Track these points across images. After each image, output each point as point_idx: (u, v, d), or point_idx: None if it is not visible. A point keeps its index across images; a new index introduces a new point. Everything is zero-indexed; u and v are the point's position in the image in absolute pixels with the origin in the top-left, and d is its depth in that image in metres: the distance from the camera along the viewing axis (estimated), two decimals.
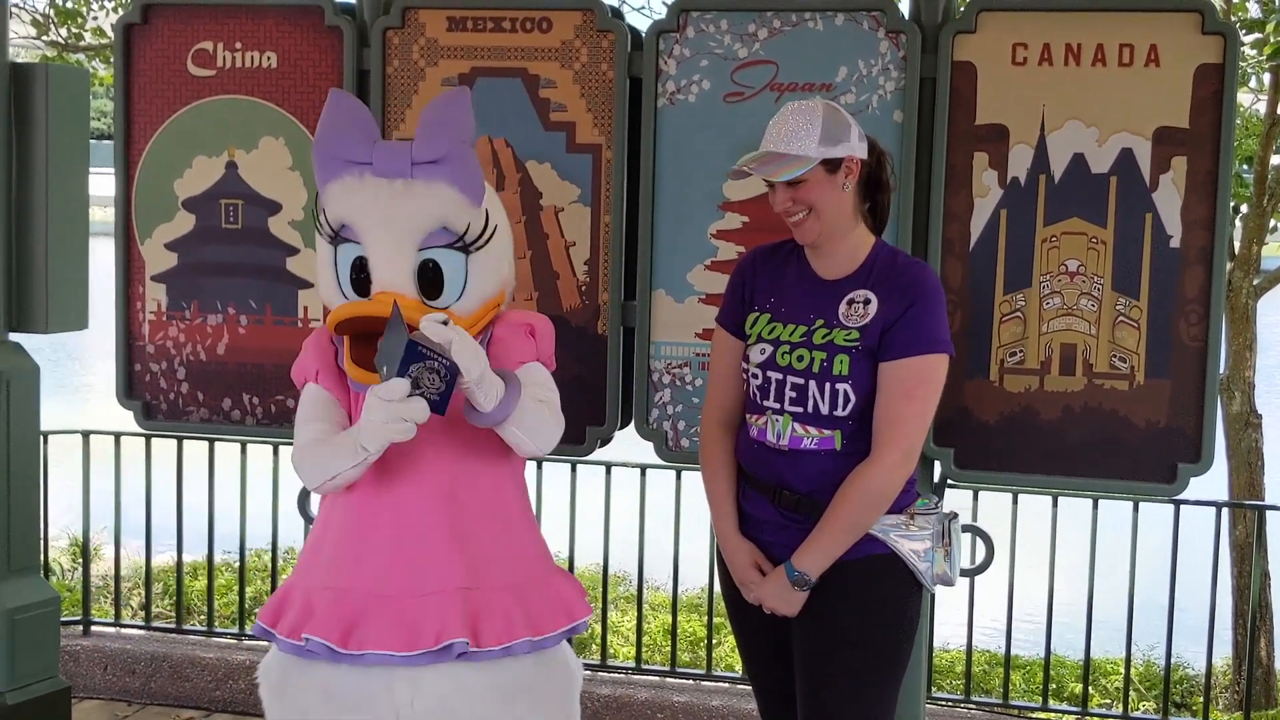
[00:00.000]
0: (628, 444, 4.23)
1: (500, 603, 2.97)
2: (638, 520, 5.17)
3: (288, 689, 3.05)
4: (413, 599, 2.94)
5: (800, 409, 3.05)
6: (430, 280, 2.97)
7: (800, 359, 3.04)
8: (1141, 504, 4.82)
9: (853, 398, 3.01)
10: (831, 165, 3.01)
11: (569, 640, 3.20)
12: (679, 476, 5.06)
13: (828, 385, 3.01)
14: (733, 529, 3.20)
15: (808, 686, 3.11)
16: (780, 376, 3.07)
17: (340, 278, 3.00)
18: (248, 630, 5.30)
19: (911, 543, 3.07)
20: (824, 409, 3.02)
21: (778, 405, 3.08)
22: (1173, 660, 5.26)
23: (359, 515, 3.03)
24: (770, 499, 3.11)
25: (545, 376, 3.10)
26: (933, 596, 4.11)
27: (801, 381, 3.04)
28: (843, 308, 3.04)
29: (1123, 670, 5.24)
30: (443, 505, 2.99)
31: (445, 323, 2.83)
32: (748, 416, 3.18)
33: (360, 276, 2.98)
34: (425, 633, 2.90)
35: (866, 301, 3.03)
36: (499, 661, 2.96)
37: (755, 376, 3.13)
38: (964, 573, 4.00)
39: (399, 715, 2.95)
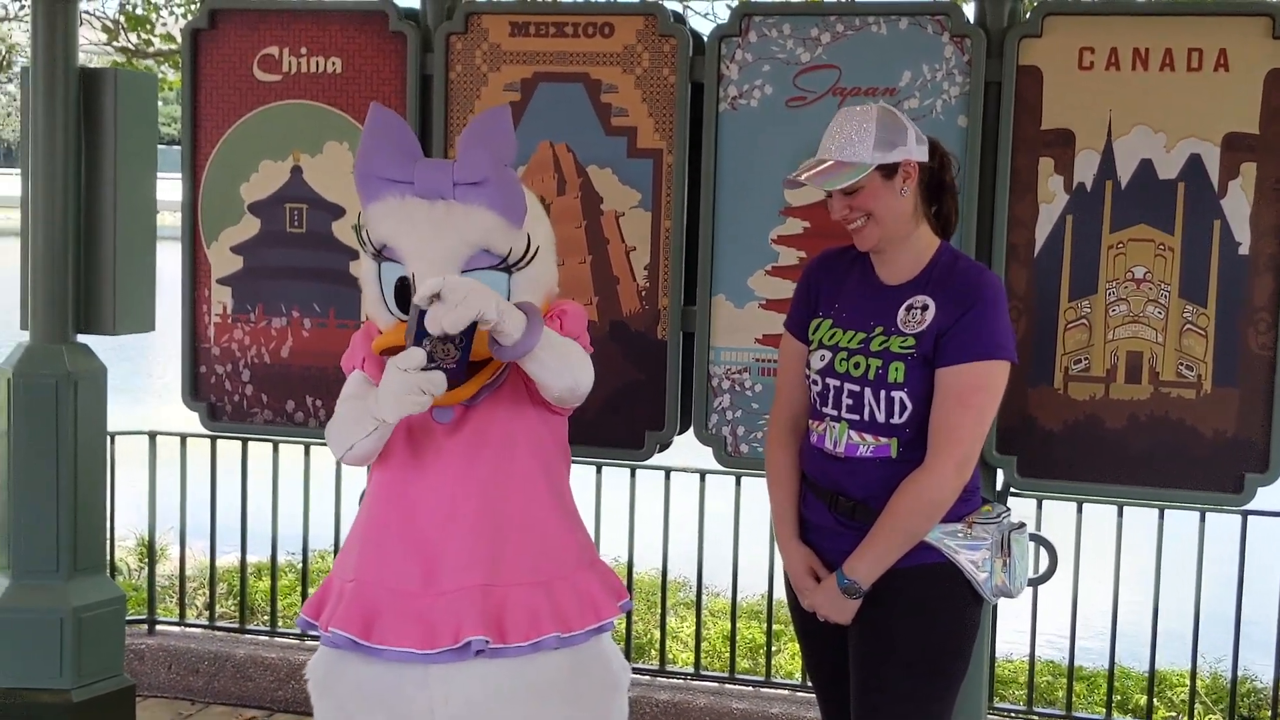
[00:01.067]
0: (687, 449, 4.22)
1: (525, 598, 2.98)
2: (697, 526, 5.15)
3: (329, 685, 3.10)
4: (430, 597, 2.96)
5: (856, 416, 3.02)
6: None
7: (857, 366, 3.02)
8: (1208, 514, 4.75)
9: (909, 406, 2.97)
10: (888, 170, 2.97)
11: (621, 641, 3.19)
12: (738, 482, 5.04)
13: (883, 393, 2.99)
14: (791, 534, 3.19)
15: (860, 693, 3.08)
16: (838, 383, 3.05)
17: (386, 292, 3.02)
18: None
19: (969, 552, 3.02)
20: (880, 417, 3.00)
21: (835, 412, 3.06)
22: (1240, 673, 5.19)
23: (388, 510, 3.06)
24: (828, 505, 3.10)
25: (570, 341, 3.04)
26: (995, 606, 4.08)
27: (858, 389, 3.02)
28: (901, 314, 3.01)
29: (1188, 683, 5.18)
30: (470, 502, 3.00)
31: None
32: (810, 422, 3.17)
33: (405, 294, 3.00)
34: (443, 631, 2.92)
35: (924, 307, 2.99)
36: (529, 658, 2.97)
37: (815, 383, 3.11)
38: (1028, 582, 3.97)
39: (434, 713, 2.98)
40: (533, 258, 3.03)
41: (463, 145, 3.00)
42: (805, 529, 3.18)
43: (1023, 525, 3.17)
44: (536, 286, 3.07)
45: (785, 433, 3.25)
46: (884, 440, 3.01)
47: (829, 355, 3.08)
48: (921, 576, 3.01)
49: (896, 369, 2.97)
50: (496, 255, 2.97)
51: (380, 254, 3.01)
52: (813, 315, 3.17)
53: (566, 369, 2.95)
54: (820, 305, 3.17)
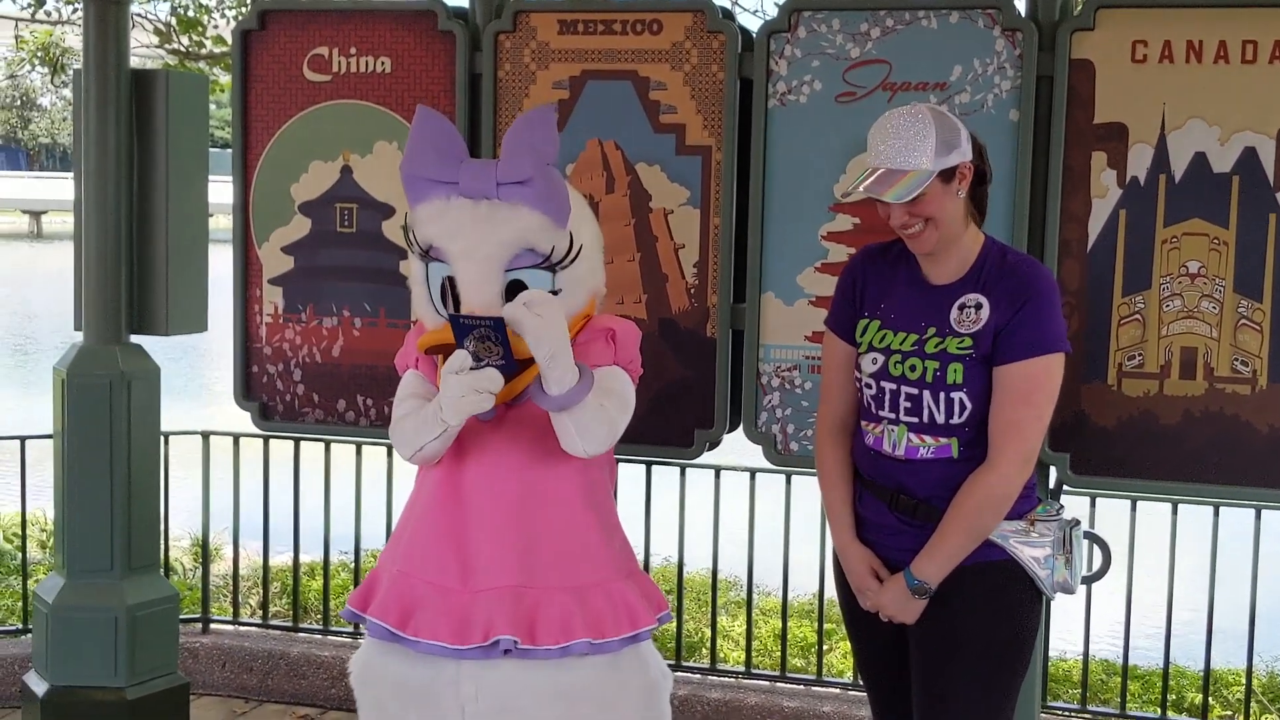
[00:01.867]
0: (737, 448, 4.21)
1: (559, 603, 3.00)
2: (747, 524, 5.14)
3: (368, 678, 3.16)
4: (466, 593, 3.00)
5: (915, 419, 2.99)
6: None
7: (913, 369, 2.99)
8: (1264, 511, 4.70)
9: (969, 405, 2.95)
10: (947, 174, 2.92)
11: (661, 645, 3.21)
12: (789, 480, 5.02)
13: (942, 395, 2.96)
14: (850, 536, 3.15)
15: (924, 692, 3.07)
16: (894, 387, 3.01)
17: (433, 292, 3.06)
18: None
19: (1032, 549, 3.01)
20: (940, 418, 2.97)
21: (893, 415, 3.02)
22: None
23: (432, 505, 3.11)
24: (888, 504, 3.06)
25: (618, 381, 3.11)
26: (1049, 604, 4.05)
27: (915, 391, 2.98)
28: (954, 314, 2.98)
29: (1244, 681, 5.13)
30: (510, 505, 3.04)
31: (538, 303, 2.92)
32: (863, 424, 3.13)
33: (450, 294, 3.04)
34: (475, 627, 2.96)
35: (978, 306, 2.96)
36: (559, 662, 2.99)
37: (869, 386, 3.07)
38: (1081, 579, 3.94)
39: (464, 710, 3.02)
40: (576, 256, 3.06)
41: (506, 145, 3.04)
42: (862, 527, 3.15)
43: (1078, 522, 3.15)
44: (581, 286, 3.11)
45: (835, 432, 3.21)
46: (944, 440, 2.98)
47: (882, 358, 3.04)
48: (985, 573, 3.00)
49: (955, 370, 2.94)
50: (540, 254, 3.02)
51: (427, 254, 3.05)
52: (858, 315, 3.13)
53: (583, 438, 3.00)
54: (865, 305, 3.13)
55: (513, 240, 2.99)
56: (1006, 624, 3.03)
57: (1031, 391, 2.92)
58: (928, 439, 2.99)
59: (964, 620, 3.01)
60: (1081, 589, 4.50)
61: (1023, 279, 2.95)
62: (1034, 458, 2.97)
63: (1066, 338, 2.97)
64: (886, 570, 3.08)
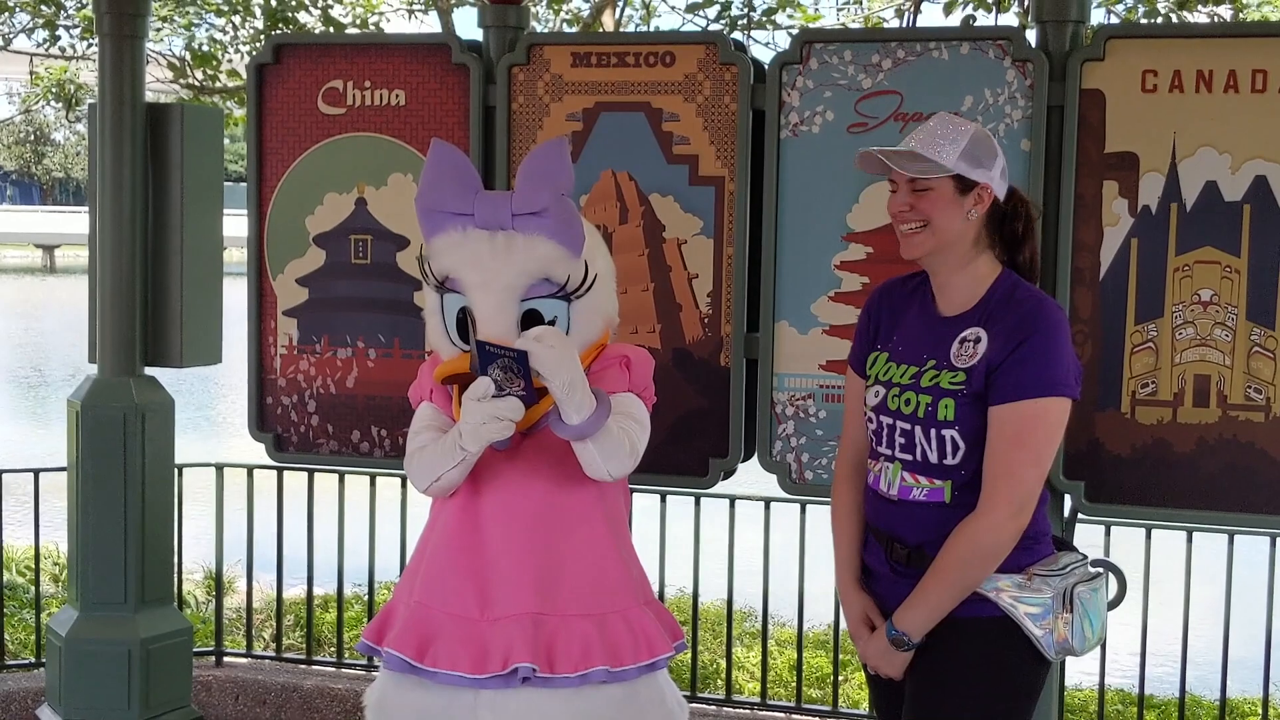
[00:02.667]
0: (751, 477, 4.21)
1: (578, 631, 3.00)
2: (762, 554, 5.14)
3: (384, 710, 3.15)
4: (485, 622, 3.00)
5: (909, 456, 2.87)
6: (534, 326, 3.03)
7: (908, 403, 2.86)
8: (1279, 539, 4.69)
9: (962, 446, 2.80)
10: (964, 185, 2.81)
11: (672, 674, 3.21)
12: (803, 510, 5.02)
13: (934, 431, 2.82)
14: (850, 582, 3.04)
15: None
16: (890, 421, 2.90)
17: (448, 323, 3.08)
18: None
19: (1026, 606, 2.81)
20: (933, 457, 2.83)
21: (889, 452, 2.91)
22: None
23: (449, 536, 3.11)
24: (885, 551, 2.95)
25: (634, 406, 3.12)
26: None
27: (909, 427, 2.86)
28: (954, 347, 2.83)
29: (1260, 711, 5.11)
30: (528, 533, 3.05)
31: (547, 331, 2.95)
32: (869, 462, 3.03)
33: (465, 325, 3.05)
34: (494, 656, 2.96)
35: (977, 340, 2.81)
36: (578, 691, 2.99)
37: (871, 421, 2.96)
38: None
39: None
40: (591, 285, 3.09)
41: (521, 177, 3.07)
42: (866, 575, 3.04)
43: (1095, 577, 2.95)
44: (595, 315, 3.13)
45: (850, 472, 3.10)
46: (938, 483, 2.84)
47: (883, 391, 2.93)
48: (978, 630, 2.83)
49: (946, 406, 2.80)
50: (555, 284, 3.04)
51: (443, 286, 3.06)
52: (872, 348, 3.03)
53: (606, 463, 3.00)
54: (879, 338, 3.03)
55: (530, 270, 3.01)
56: (997, 687, 2.84)
57: (1025, 435, 2.74)
58: (921, 479, 2.86)
59: (954, 674, 2.85)
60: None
61: (1026, 315, 2.79)
62: (1029, 508, 2.78)
63: (1074, 382, 2.80)
64: (882, 619, 2.94)
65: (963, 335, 2.84)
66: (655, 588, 3.89)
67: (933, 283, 2.95)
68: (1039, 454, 2.77)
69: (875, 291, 3.13)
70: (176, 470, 4.80)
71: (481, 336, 2.97)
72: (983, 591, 2.82)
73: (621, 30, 10.44)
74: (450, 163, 3.10)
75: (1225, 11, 9.31)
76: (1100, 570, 3.02)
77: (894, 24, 10.62)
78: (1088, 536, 4.20)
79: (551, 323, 3.05)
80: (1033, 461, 2.76)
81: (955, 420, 2.80)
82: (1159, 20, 9.09)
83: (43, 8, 11.24)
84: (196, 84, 11.13)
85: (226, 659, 5.58)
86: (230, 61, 11.28)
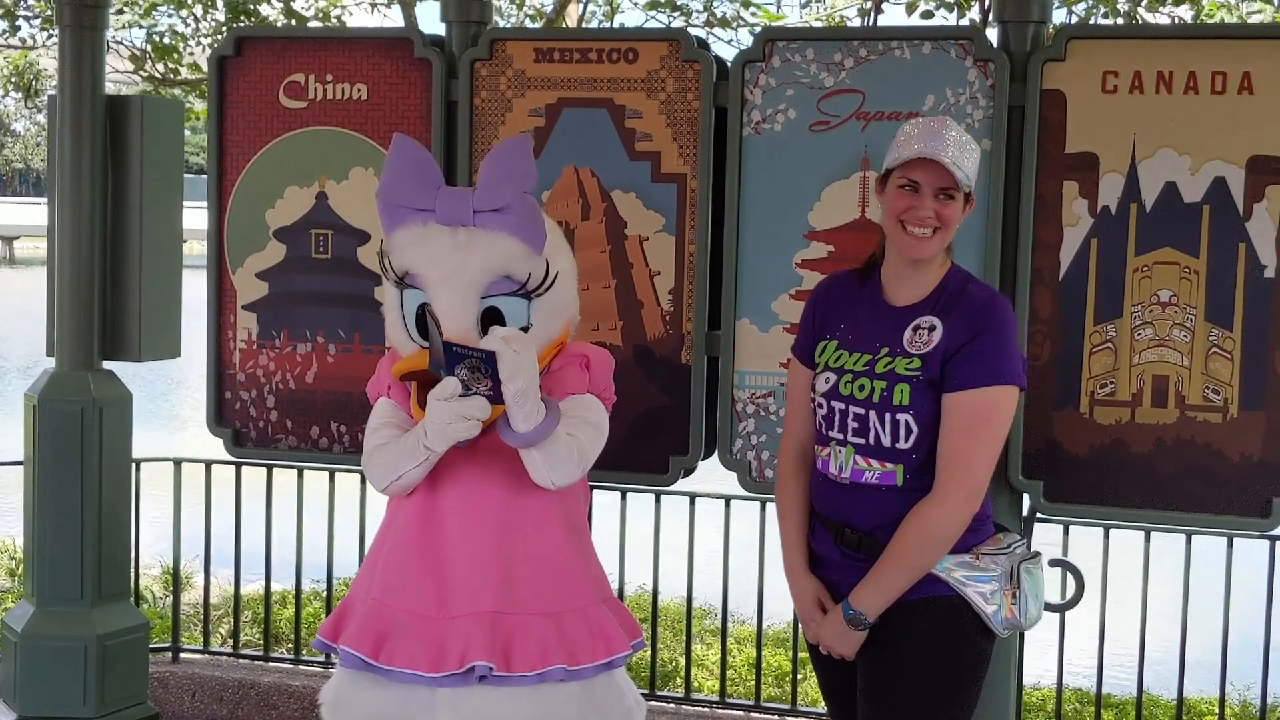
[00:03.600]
0: (712, 474, 4.21)
1: (536, 629, 3.00)
2: (722, 552, 5.14)
3: (341, 708, 3.14)
4: (442, 620, 2.99)
5: (862, 440, 2.96)
6: (493, 324, 3.03)
7: (862, 388, 2.96)
8: (1236, 539, 4.72)
9: (914, 429, 2.91)
10: (968, 196, 2.96)
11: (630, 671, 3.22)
12: (763, 507, 5.02)
13: (888, 416, 2.92)
14: (800, 565, 3.13)
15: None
16: (843, 406, 2.99)
17: (407, 319, 3.06)
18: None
19: (976, 585, 2.94)
20: (885, 441, 2.93)
21: (841, 436, 3.00)
22: (1269, 700, 5.15)
23: (407, 533, 3.10)
24: (834, 537, 3.04)
25: (592, 410, 3.12)
26: (1022, 634, 4.05)
27: (863, 412, 2.95)
28: (908, 334, 2.95)
29: (1217, 710, 5.14)
30: (488, 530, 3.04)
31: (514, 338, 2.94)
32: (816, 448, 3.11)
33: (424, 321, 3.04)
34: (451, 655, 2.95)
35: (931, 328, 2.93)
36: (537, 689, 2.99)
37: (821, 406, 3.06)
38: (1054, 608, 3.94)
39: None
40: (552, 284, 3.07)
41: (483, 173, 3.06)
42: (813, 562, 3.13)
43: (1036, 555, 3.11)
44: (556, 313, 3.12)
45: (795, 462, 3.19)
46: (890, 466, 2.95)
47: (834, 378, 3.03)
48: (929, 610, 2.94)
49: (902, 391, 2.91)
50: (516, 281, 3.03)
51: (402, 281, 3.05)
52: (818, 339, 3.13)
53: (550, 471, 3.00)
54: (826, 328, 3.12)
55: (491, 267, 3.00)
56: (949, 661, 2.96)
57: (979, 423, 2.87)
58: (874, 463, 2.96)
59: (906, 656, 2.95)
60: (1054, 618, 4.53)
61: (981, 308, 2.92)
62: (981, 491, 2.91)
63: (1023, 373, 2.93)
64: (833, 603, 3.05)
65: (916, 323, 2.96)
66: (615, 585, 3.89)
67: (890, 275, 3.05)
68: (991, 440, 2.90)
69: (818, 285, 3.24)
70: (134, 465, 4.76)
71: (446, 336, 2.96)
72: (935, 572, 2.93)
73: (585, 26, 10.44)
74: (411, 158, 3.08)
75: (1185, 13, 9.37)
76: (1039, 551, 3.17)
77: (856, 24, 10.64)
78: (1046, 536, 4.22)
79: (525, 329, 3.04)
80: (985, 447, 2.89)
81: (910, 405, 2.91)
82: (1119, 21, 9.14)
83: None
84: (157, 76, 11.06)
85: (183, 655, 5.55)
86: (191, 54, 11.21)
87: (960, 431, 2.87)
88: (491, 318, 3.02)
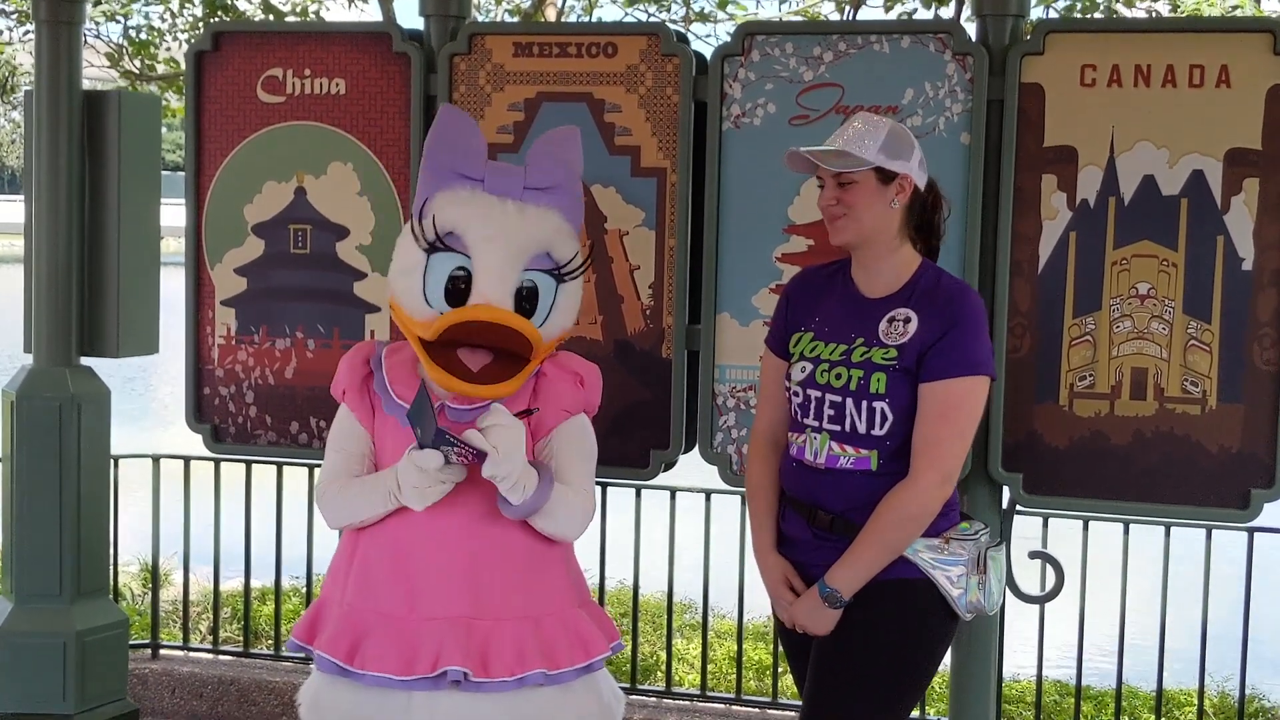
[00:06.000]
0: (692, 468, 4.21)
1: (513, 634, 3.01)
2: (703, 546, 5.14)
3: (318, 711, 3.13)
4: (415, 621, 3.01)
5: (838, 427, 3.06)
6: (525, 300, 3.08)
7: (839, 377, 3.05)
8: (1214, 531, 4.74)
9: (890, 417, 3.01)
10: (885, 177, 3.03)
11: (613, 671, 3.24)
12: (744, 501, 5.02)
13: (864, 403, 3.02)
14: (768, 545, 3.21)
15: (810, 685, 3.10)
16: (819, 394, 3.08)
17: (430, 284, 3.07)
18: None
19: (945, 568, 3.05)
20: (861, 428, 3.03)
21: (816, 423, 3.09)
22: (1247, 691, 5.17)
23: (381, 538, 3.12)
24: (806, 519, 3.12)
25: (585, 439, 3.21)
26: (1002, 626, 4.06)
27: (839, 399, 3.05)
28: (883, 326, 3.05)
29: (1196, 702, 5.16)
30: (463, 536, 3.06)
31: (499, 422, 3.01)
32: (790, 435, 3.19)
33: (456, 286, 3.03)
34: (423, 658, 2.95)
35: (907, 320, 3.03)
36: (515, 693, 3.00)
37: (796, 395, 3.14)
38: (1034, 600, 3.96)
39: None
40: (581, 269, 3.20)
41: (534, 154, 3.19)
42: (782, 544, 3.20)
43: (999, 544, 3.21)
44: (572, 305, 3.24)
45: (764, 447, 3.27)
46: (864, 452, 3.04)
47: (810, 367, 3.11)
48: (898, 591, 3.04)
49: (878, 380, 3.01)
50: (555, 260, 3.14)
51: (439, 243, 3.06)
52: (791, 330, 3.21)
53: (561, 529, 3.11)
54: (800, 320, 3.20)
55: (539, 239, 3.11)
56: (909, 637, 3.06)
57: (953, 411, 2.98)
58: (849, 449, 3.05)
59: (875, 630, 3.04)
60: (1033, 609, 4.55)
61: (954, 301, 3.03)
62: (954, 477, 3.02)
63: (992, 364, 3.04)
64: (803, 584, 3.12)
65: (891, 315, 3.06)
66: (595, 580, 3.89)
67: (857, 268, 3.15)
68: (963, 428, 3.02)
69: (792, 279, 3.34)
70: (112, 461, 4.74)
71: (477, 295, 3.04)
72: (905, 554, 3.03)
73: (563, 21, 10.41)
74: (461, 127, 3.19)
75: (1163, 7, 9.39)
76: (1001, 540, 3.29)
77: (835, 18, 10.65)
78: (1026, 528, 4.23)
79: (549, 308, 3.15)
80: (958, 435, 3.01)
81: (886, 393, 3.01)
82: (1097, 15, 9.16)
83: None
84: (134, 72, 11.01)
85: (163, 651, 5.54)
86: (168, 49, 11.17)
87: (935, 418, 2.98)
88: (526, 293, 3.11)
